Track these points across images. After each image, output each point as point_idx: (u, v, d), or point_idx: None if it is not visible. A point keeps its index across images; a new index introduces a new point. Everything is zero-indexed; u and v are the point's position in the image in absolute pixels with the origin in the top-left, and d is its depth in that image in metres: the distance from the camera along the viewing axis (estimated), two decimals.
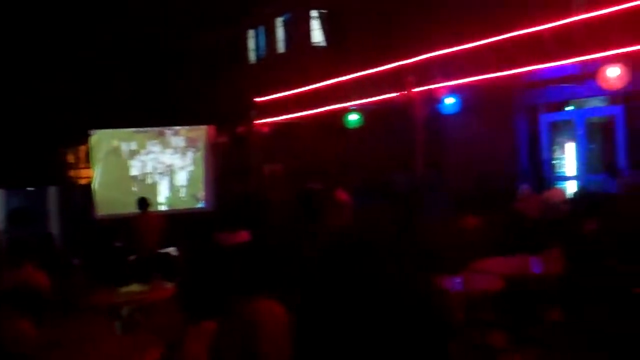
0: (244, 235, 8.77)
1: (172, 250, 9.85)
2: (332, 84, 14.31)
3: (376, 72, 13.21)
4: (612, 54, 9.03)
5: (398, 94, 12.35)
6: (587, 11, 9.48)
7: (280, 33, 20.88)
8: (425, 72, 12.08)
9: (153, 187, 14.96)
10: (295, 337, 1.41)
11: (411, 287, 1.33)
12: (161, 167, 15.20)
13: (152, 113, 16.06)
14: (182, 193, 15.39)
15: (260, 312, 3.99)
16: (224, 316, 4.14)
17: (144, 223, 10.82)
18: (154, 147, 15.24)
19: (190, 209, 14.99)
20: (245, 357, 3.84)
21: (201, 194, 15.46)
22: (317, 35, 19.69)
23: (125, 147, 14.99)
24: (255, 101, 16.19)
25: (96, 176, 14.77)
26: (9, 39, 16.50)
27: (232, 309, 4.22)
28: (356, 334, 1.30)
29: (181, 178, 15.39)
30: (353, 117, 13.91)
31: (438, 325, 1.34)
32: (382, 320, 1.29)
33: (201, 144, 15.52)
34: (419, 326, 1.31)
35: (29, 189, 14.61)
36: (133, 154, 15.05)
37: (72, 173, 16.18)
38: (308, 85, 14.94)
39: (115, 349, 6.52)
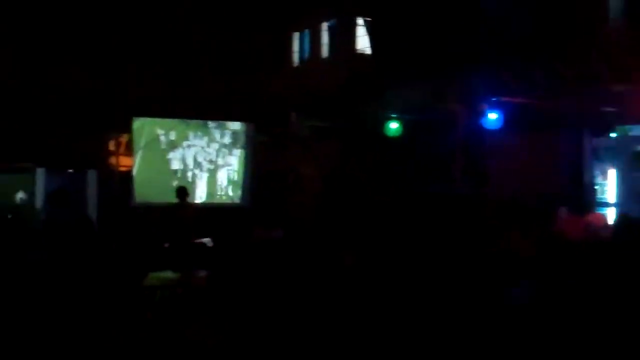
0: (277, 232, 8.85)
1: (207, 240, 9.95)
2: (373, 90, 14.29)
3: (419, 81, 13.16)
4: None
5: (440, 105, 12.31)
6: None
7: (325, 38, 20.98)
8: (470, 85, 12.02)
9: (192, 183, 15.08)
10: None
11: None
12: (204, 163, 15.37)
13: (195, 106, 16.17)
14: (221, 191, 15.51)
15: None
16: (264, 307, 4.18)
17: (182, 212, 10.96)
18: (198, 140, 15.42)
19: (227, 204, 15.16)
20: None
21: (239, 192, 15.59)
22: (362, 42, 19.75)
23: (166, 137, 15.18)
24: (296, 103, 16.25)
25: (136, 164, 14.97)
26: (54, 21, 16.75)
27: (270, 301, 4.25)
28: None
29: (221, 176, 15.53)
30: (393, 126, 13.89)
31: None
32: None
33: (243, 141, 15.74)
34: None
35: (69, 171, 14.84)
36: (173, 145, 15.21)
37: (112, 159, 16.38)
38: (350, 90, 14.96)
39: (146, 332, 6.57)
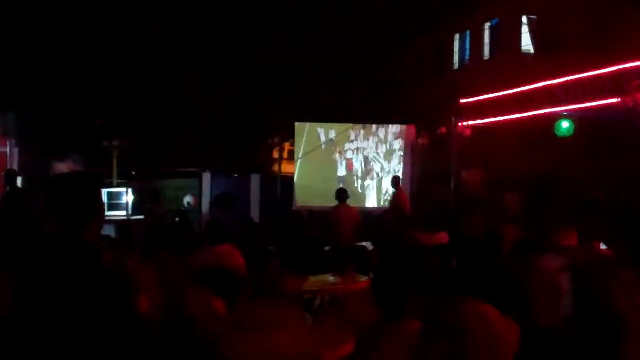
0: (442, 237, 8.40)
1: (368, 244, 9.72)
2: (542, 87, 13.44)
3: (594, 76, 12.18)
4: None
5: (619, 100, 11.30)
6: None
7: (486, 38, 20.30)
8: None
9: (361, 192, 15.02)
10: None
11: None
12: (371, 170, 15.30)
13: (356, 109, 16.25)
14: (386, 197, 15.35)
15: (468, 318, 3.63)
16: (429, 319, 3.83)
17: (342, 214, 10.78)
18: (360, 143, 15.36)
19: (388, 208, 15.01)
20: None
21: None
22: (526, 41, 18.88)
23: (326, 137, 15.24)
24: (458, 104, 15.73)
25: (297, 169, 15.12)
26: (220, 35, 17.47)
27: (436, 312, 3.88)
28: None
29: (387, 183, 15.37)
30: (565, 125, 12.96)
31: None
32: None
33: (405, 144, 15.55)
34: None
35: (234, 175, 15.32)
36: (335, 148, 15.23)
37: (275, 164, 16.79)
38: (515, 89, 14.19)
39: (305, 338, 6.37)
